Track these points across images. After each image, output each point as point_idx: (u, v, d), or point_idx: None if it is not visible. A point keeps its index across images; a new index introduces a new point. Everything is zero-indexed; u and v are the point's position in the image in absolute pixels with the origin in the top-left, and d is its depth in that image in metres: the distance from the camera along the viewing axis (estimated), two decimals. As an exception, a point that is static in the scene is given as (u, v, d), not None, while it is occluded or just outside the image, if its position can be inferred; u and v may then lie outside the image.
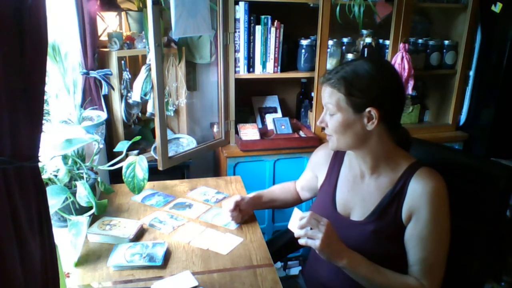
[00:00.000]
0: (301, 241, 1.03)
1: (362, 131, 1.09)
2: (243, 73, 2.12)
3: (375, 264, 1.06)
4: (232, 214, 1.33)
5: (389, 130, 1.11)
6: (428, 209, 1.05)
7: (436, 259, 1.06)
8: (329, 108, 1.10)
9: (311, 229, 1.02)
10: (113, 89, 1.81)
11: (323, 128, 1.16)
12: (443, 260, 1.07)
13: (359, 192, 1.18)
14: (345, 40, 2.31)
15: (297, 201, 1.49)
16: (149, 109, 1.82)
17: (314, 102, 2.20)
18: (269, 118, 2.31)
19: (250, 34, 2.08)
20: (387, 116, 1.08)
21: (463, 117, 2.52)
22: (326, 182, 1.28)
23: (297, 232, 1.03)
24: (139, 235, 1.28)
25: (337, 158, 1.27)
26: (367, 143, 1.11)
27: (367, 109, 1.06)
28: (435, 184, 1.06)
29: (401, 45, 2.14)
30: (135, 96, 1.80)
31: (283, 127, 2.21)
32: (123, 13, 2.03)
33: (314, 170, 1.38)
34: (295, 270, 2.12)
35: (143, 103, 1.90)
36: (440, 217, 1.06)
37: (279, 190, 1.49)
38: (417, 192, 1.07)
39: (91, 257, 1.18)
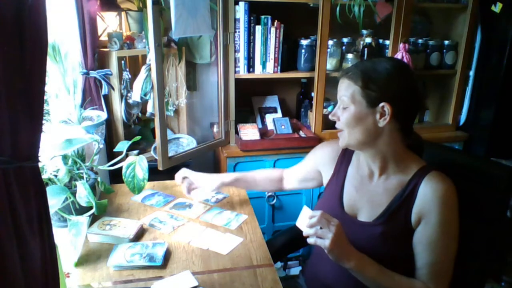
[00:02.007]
0: (310, 240, 1.02)
1: (373, 127, 1.08)
2: (243, 73, 2.12)
3: (382, 267, 1.05)
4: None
5: (401, 131, 1.10)
6: (438, 213, 1.05)
7: (444, 264, 1.06)
8: (344, 100, 1.10)
9: (320, 228, 1.01)
10: (113, 89, 1.81)
11: (334, 123, 1.15)
12: (451, 265, 1.06)
13: (367, 193, 1.17)
14: (345, 40, 2.31)
15: (276, 190, 1.52)
16: (149, 109, 1.82)
17: (314, 102, 2.20)
18: (269, 118, 2.31)
19: (250, 34, 2.08)
20: (400, 115, 1.07)
21: (463, 117, 2.52)
22: (333, 181, 1.27)
23: (306, 230, 1.03)
24: (139, 235, 1.28)
25: (345, 157, 1.26)
26: (378, 141, 1.10)
27: (381, 104, 1.05)
28: (446, 189, 1.06)
29: (401, 45, 2.14)
30: (135, 96, 1.80)
31: (283, 127, 2.21)
32: (123, 13, 2.03)
33: (318, 164, 1.36)
34: (295, 270, 2.12)
35: (143, 103, 1.90)
36: (450, 221, 1.06)
37: (261, 178, 1.49)
38: (428, 196, 1.06)
39: (91, 257, 1.18)
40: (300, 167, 1.44)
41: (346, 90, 1.10)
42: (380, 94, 1.06)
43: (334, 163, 1.29)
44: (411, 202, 1.09)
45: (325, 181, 1.31)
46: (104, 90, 1.77)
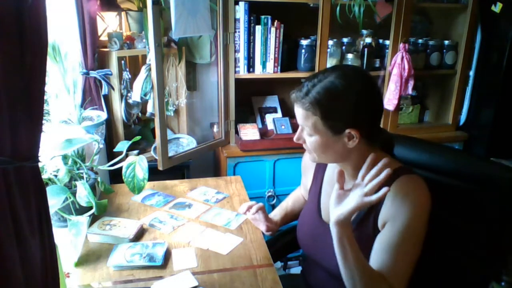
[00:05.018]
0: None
1: (342, 149, 1.04)
2: (243, 73, 2.12)
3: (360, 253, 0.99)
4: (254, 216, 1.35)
5: (370, 140, 1.06)
6: (404, 219, 0.99)
7: (399, 270, 0.98)
8: (306, 129, 1.06)
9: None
10: (113, 89, 1.81)
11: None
12: (408, 271, 0.99)
13: None
14: (345, 40, 2.30)
15: None
16: (149, 109, 1.82)
17: (314, 102, 2.20)
18: (269, 118, 2.31)
19: (250, 34, 2.08)
20: (368, 132, 1.03)
21: (463, 117, 2.52)
22: (313, 187, 1.26)
23: None
24: (139, 235, 1.28)
25: (321, 163, 1.23)
26: (350, 157, 1.07)
27: (347, 131, 1.01)
28: (415, 197, 1.00)
29: (401, 45, 2.14)
30: (135, 96, 1.80)
31: (283, 127, 2.21)
32: (123, 13, 2.03)
33: (305, 173, 1.36)
34: (295, 270, 2.12)
35: (143, 103, 1.90)
36: (414, 228, 0.99)
37: (294, 204, 1.45)
38: (395, 202, 1.00)
39: (91, 257, 1.18)
40: (302, 184, 1.42)
41: (306, 120, 1.03)
42: (343, 122, 1.00)
43: (313, 169, 1.28)
44: (379, 207, 1.03)
45: (308, 187, 1.30)
46: (104, 90, 1.77)
